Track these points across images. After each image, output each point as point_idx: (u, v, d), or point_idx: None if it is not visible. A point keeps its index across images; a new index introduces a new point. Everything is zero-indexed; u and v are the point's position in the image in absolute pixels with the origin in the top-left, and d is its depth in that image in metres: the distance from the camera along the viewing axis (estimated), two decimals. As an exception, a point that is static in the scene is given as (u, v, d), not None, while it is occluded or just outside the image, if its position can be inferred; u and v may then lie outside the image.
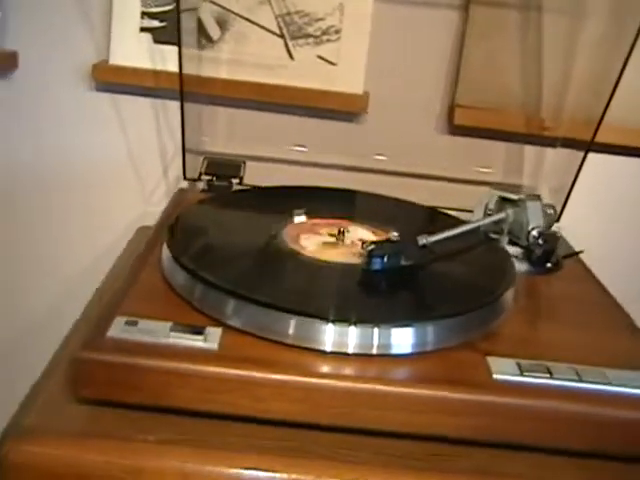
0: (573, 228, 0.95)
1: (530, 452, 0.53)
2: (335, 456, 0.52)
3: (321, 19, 0.90)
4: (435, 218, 0.78)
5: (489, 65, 0.90)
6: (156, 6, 0.90)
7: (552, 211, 0.80)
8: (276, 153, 0.93)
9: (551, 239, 0.71)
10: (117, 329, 0.53)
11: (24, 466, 0.48)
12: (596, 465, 0.53)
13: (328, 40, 0.91)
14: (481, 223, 0.72)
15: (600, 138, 0.92)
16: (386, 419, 0.52)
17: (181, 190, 0.89)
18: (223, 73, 0.91)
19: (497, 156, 0.95)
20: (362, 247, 0.62)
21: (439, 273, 0.65)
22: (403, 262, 0.61)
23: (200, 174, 0.87)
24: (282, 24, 0.90)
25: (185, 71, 0.89)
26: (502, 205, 0.78)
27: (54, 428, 0.51)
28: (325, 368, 0.53)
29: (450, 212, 0.84)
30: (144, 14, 0.90)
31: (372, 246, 0.60)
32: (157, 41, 0.91)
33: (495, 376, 0.53)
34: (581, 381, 0.53)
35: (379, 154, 0.94)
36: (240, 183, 0.87)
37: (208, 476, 0.50)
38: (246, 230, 0.70)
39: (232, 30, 0.91)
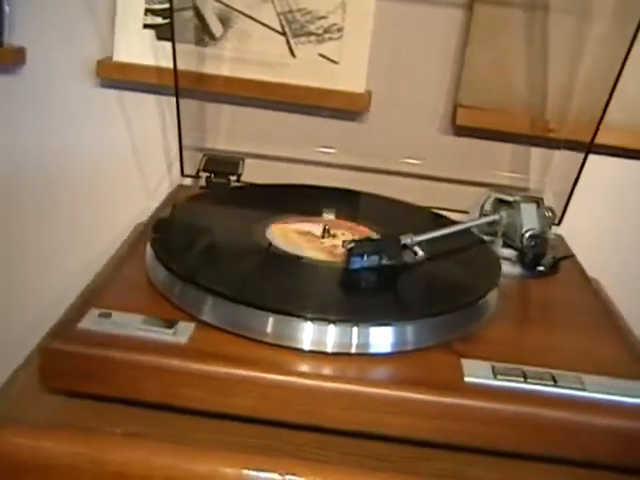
0: (581, 231, 0.94)
1: (504, 457, 0.52)
2: (302, 454, 0.51)
3: (323, 17, 0.90)
4: (427, 219, 0.77)
5: (493, 65, 0.89)
6: (159, 3, 0.90)
7: (550, 214, 0.79)
8: (277, 151, 0.93)
9: (541, 242, 0.69)
10: (89, 321, 0.53)
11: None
12: (570, 472, 0.52)
13: (330, 38, 0.90)
14: (469, 224, 0.71)
15: (610, 141, 0.91)
16: (355, 419, 0.52)
17: (180, 187, 0.89)
18: (225, 70, 0.91)
19: (501, 158, 0.94)
20: (342, 245, 0.61)
21: (422, 273, 0.64)
22: (385, 261, 0.61)
23: (198, 171, 0.87)
24: (284, 22, 0.90)
25: (187, 68, 0.90)
26: (498, 207, 0.77)
27: (24, 418, 0.51)
28: (293, 365, 0.52)
29: (451, 214, 0.83)
30: (147, 11, 0.91)
31: (352, 244, 0.59)
32: (160, 38, 0.91)
33: (466, 379, 0.52)
34: (556, 386, 0.52)
35: (381, 153, 0.93)
36: (238, 180, 0.87)
37: (173, 470, 0.50)
38: (230, 228, 0.70)
39: (234, 28, 0.91)
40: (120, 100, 0.97)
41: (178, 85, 0.83)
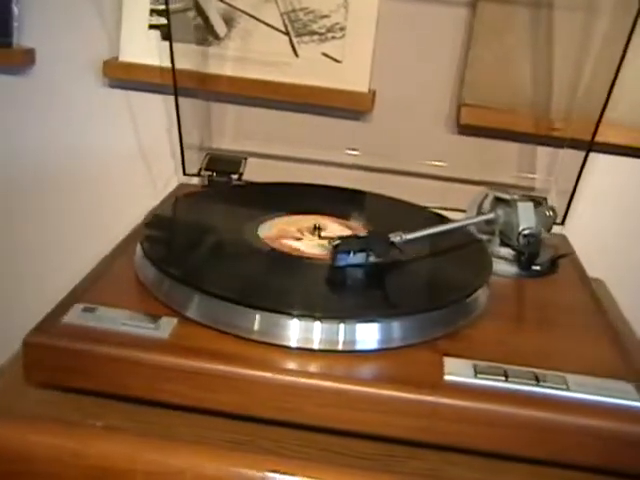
0: (587, 231, 0.93)
1: (485, 457, 0.52)
2: (282, 451, 0.51)
3: (326, 16, 0.90)
4: (426, 218, 0.77)
5: (497, 63, 0.88)
6: (164, 4, 0.91)
7: (551, 213, 0.78)
8: (281, 151, 0.93)
9: (535, 242, 0.69)
10: (73, 315, 0.54)
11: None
12: (552, 473, 0.51)
13: (333, 37, 0.90)
14: (462, 223, 0.70)
15: (618, 140, 0.90)
16: (335, 416, 0.51)
17: (181, 185, 0.89)
18: (228, 70, 0.92)
19: (507, 157, 0.93)
20: (329, 243, 0.61)
21: (411, 271, 0.64)
22: (372, 259, 0.60)
23: (200, 169, 0.88)
24: (287, 21, 0.90)
25: (191, 68, 0.91)
26: (496, 205, 0.76)
27: (8, 411, 0.52)
28: (277, 362, 0.53)
29: (456, 214, 0.82)
30: (152, 11, 0.92)
31: (337, 242, 0.59)
32: (166, 38, 0.92)
33: (446, 377, 0.52)
34: (538, 386, 0.52)
35: (385, 153, 0.93)
36: (239, 179, 0.87)
37: (153, 464, 0.50)
38: (221, 225, 0.70)
39: (238, 27, 0.91)
40: (128, 100, 0.98)
41: (177, 84, 0.84)
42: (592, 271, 0.84)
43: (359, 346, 0.55)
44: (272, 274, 0.61)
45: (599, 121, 0.77)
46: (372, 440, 0.52)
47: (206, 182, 0.88)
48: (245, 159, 0.89)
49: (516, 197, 0.73)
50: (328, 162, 0.94)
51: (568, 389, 0.52)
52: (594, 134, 0.78)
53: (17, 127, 0.99)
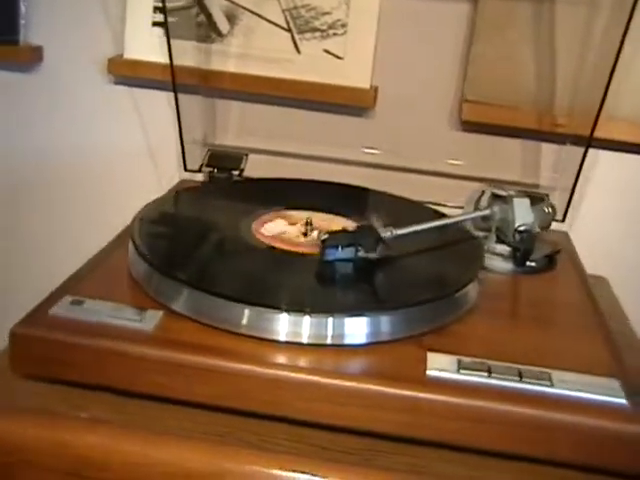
0: (590, 229, 0.92)
1: (468, 453, 0.52)
2: (265, 445, 0.52)
3: (327, 13, 0.90)
4: (423, 214, 0.76)
5: (499, 59, 0.88)
6: (167, 1, 0.91)
7: (550, 210, 0.77)
8: (283, 147, 0.93)
9: (528, 238, 0.68)
10: (60, 307, 0.54)
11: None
12: (535, 470, 0.51)
13: (335, 34, 0.90)
14: (456, 219, 0.70)
15: (622, 136, 0.89)
16: (319, 411, 0.51)
17: (183, 181, 0.90)
18: (231, 67, 0.92)
19: (510, 154, 0.92)
20: (317, 237, 0.61)
21: (402, 266, 0.64)
22: (361, 254, 0.60)
23: (202, 166, 0.88)
24: (289, 18, 0.91)
25: (194, 65, 0.91)
26: (493, 202, 0.75)
27: (-4, 401, 0.53)
28: (256, 355, 0.53)
29: (456, 210, 0.82)
30: (156, 9, 0.92)
31: (326, 236, 0.59)
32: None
33: (428, 372, 0.52)
34: (521, 382, 0.51)
35: (385, 149, 0.93)
36: (240, 175, 0.87)
37: (136, 456, 0.51)
38: (213, 220, 0.71)
39: (240, 24, 0.92)
40: (133, 97, 0.99)
41: (176, 81, 0.84)
42: (595, 269, 0.83)
43: (347, 340, 0.55)
44: (261, 268, 0.61)
45: (597, 117, 0.76)
46: (356, 435, 0.52)
47: (207, 178, 0.88)
48: (246, 155, 0.89)
49: (513, 193, 0.73)
50: (330, 159, 0.94)
51: (552, 385, 0.51)
52: (592, 130, 0.77)
53: (24, 124, 1.00)
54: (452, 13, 0.89)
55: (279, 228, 0.68)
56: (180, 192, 0.78)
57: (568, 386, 0.51)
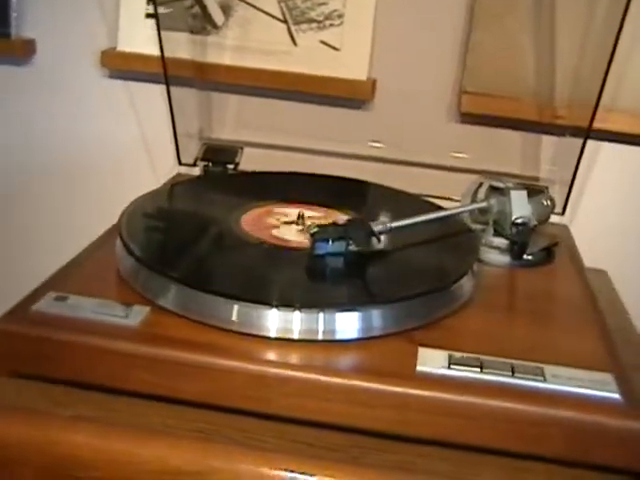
0: (591, 221, 0.90)
1: (458, 450, 0.50)
2: (250, 442, 0.51)
3: (324, 3, 0.89)
4: (420, 207, 0.75)
5: (498, 49, 0.86)
6: (152, -6, 0.90)
7: (549, 202, 0.76)
8: (281, 140, 0.92)
9: (524, 231, 0.67)
10: (44, 303, 0.54)
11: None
12: (527, 466, 0.50)
13: (331, 25, 0.89)
14: (452, 212, 0.68)
15: (625, 128, 0.87)
16: (305, 407, 0.50)
17: (178, 175, 0.89)
18: (227, 59, 0.91)
19: (510, 146, 0.91)
20: (307, 230, 0.60)
21: (394, 259, 0.63)
22: (352, 247, 0.59)
23: (196, 159, 0.87)
24: (285, 9, 0.89)
25: (189, 57, 0.90)
26: (491, 194, 0.74)
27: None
28: (243, 351, 0.52)
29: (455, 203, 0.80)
30: (149, 0, 0.91)
31: (315, 229, 0.58)
32: (163, 27, 0.91)
33: (418, 368, 0.50)
34: (513, 377, 0.50)
35: (385, 142, 0.91)
36: (235, 169, 0.86)
37: (120, 454, 0.50)
38: (202, 214, 0.70)
39: (235, 16, 0.90)
40: (128, 90, 0.98)
41: (168, 73, 0.83)
42: (596, 262, 0.82)
43: (338, 336, 0.54)
44: (251, 263, 0.60)
45: (596, 108, 0.75)
46: (343, 432, 0.51)
47: (202, 172, 0.87)
48: (241, 149, 0.88)
49: (510, 185, 0.71)
50: (328, 152, 0.93)
51: (545, 380, 0.50)
52: (591, 121, 0.76)
53: (17, 117, 1.00)
54: (451, 1, 0.88)
55: (270, 222, 0.67)
56: (170, 186, 0.77)
57: (561, 381, 0.50)
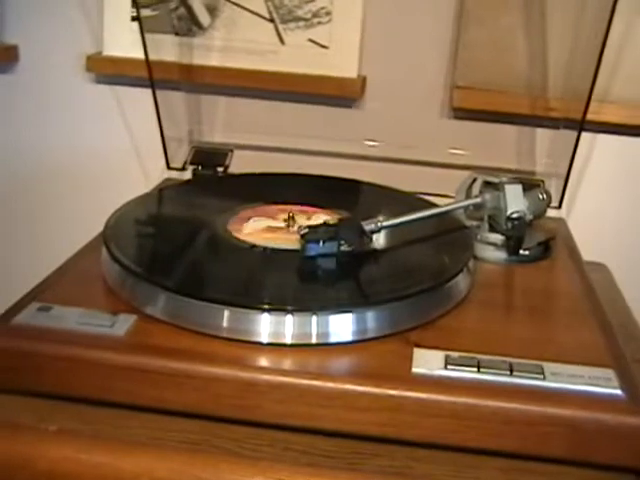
0: (589, 215, 0.89)
1: (456, 452, 0.49)
2: (241, 451, 0.49)
3: (311, 1, 0.87)
4: (412, 205, 0.73)
5: (490, 43, 0.85)
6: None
7: (544, 196, 0.74)
8: (270, 141, 0.91)
9: (519, 225, 0.65)
10: (26, 315, 0.52)
11: None
12: (526, 467, 0.48)
13: (319, 23, 0.88)
14: (445, 209, 0.67)
15: (623, 119, 0.86)
16: (296, 413, 0.49)
17: (167, 180, 0.87)
18: (214, 60, 0.90)
19: (504, 140, 0.89)
20: (297, 231, 0.58)
21: (388, 259, 0.61)
22: (344, 248, 0.58)
23: (185, 163, 0.86)
24: (272, 8, 0.88)
25: (175, 59, 0.89)
26: (485, 190, 0.72)
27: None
28: (233, 358, 0.50)
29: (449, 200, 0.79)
30: (135, 2, 0.90)
31: (305, 230, 0.56)
32: (148, 30, 0.90)
33: (414, 370, 0.49)
34: (512, 376, 0.48)
35: (377, 140, 0.90)
36: (225, 172, 0.85)
37: (105, 467, 0.48)
38: (189, 218, 0.68)
39: (222, 16, 0.89)
40: (116, 96, 0.96)
41: (153, 76, 0.82)
42: (595, 256, 0.81)
43: (332, 339, 0.52)
44: (241, 267, 0.59)
45: (589, 99, 0.73)
46: (336, 437, 0.50)
47: (191, 176, 0.86)
48: (231, 151, 0.87)
49: (504, 180, 0.70)
50: (320, 152, 0.91)
51: (544, 379, 0.48)
52: (584, 113, 0.74)
53: (1, 126, 0.98)
54: (440, -3, 0.86)
55: (259, 225, 0.65)
56: (158, 191, 0.75)
57: (561, 379, 0.48)
